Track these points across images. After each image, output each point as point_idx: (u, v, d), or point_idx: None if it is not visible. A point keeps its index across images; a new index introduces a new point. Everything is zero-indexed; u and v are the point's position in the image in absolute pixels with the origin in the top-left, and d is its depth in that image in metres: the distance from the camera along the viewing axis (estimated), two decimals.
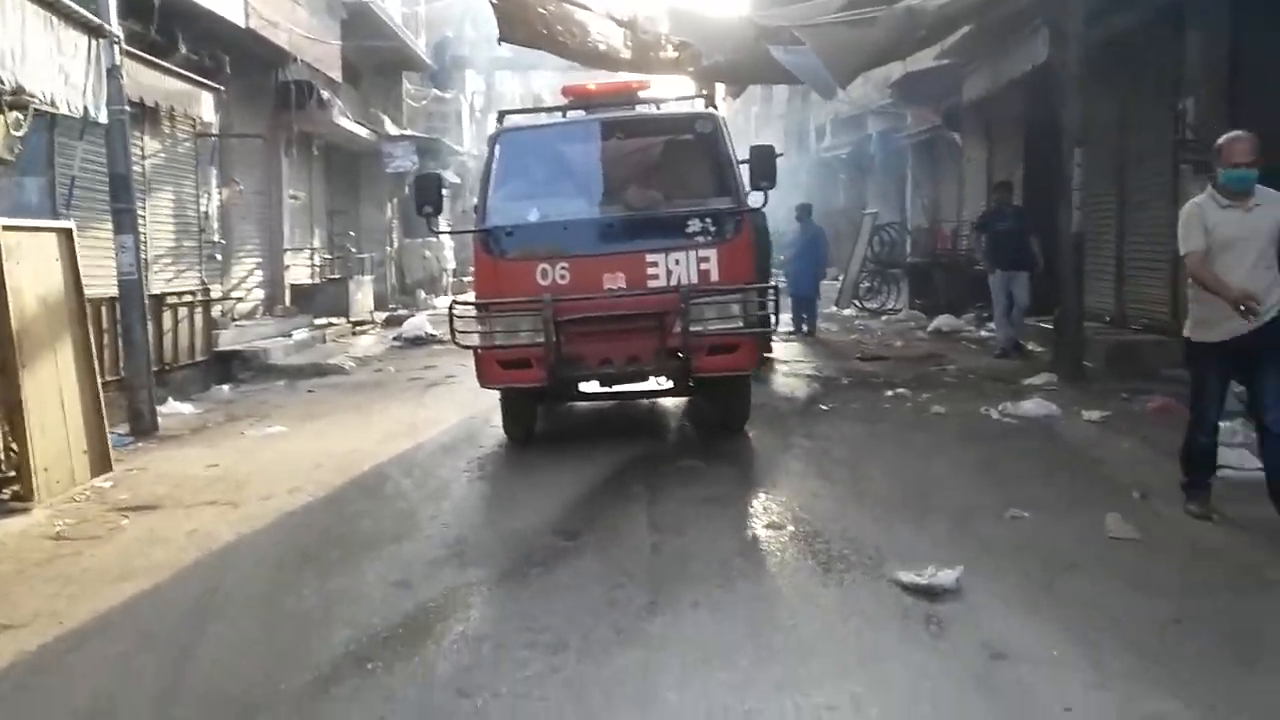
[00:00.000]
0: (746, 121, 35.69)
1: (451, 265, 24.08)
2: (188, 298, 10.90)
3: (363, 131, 18.46)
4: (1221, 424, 5.31)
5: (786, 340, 12.99)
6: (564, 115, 8.15)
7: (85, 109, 7.55)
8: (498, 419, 7.56)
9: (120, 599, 4.54)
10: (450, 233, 19.21)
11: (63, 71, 7.09)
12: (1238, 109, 8.49)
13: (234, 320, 13.21)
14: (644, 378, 7.31)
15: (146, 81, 9.66)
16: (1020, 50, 11.83)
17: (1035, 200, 11.78)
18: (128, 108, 8.41)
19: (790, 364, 11.17)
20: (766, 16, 10.79)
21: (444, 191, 8.81)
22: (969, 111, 15.73)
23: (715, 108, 8.19)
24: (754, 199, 7.07)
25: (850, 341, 13.27)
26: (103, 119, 7.87)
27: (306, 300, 15.76)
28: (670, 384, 7.57)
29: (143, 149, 10.45)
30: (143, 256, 8.98)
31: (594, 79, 10.09)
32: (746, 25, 10.95)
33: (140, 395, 8.28)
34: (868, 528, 5.16)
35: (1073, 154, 9.26)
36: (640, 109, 8.12)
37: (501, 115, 8.04)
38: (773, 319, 7.06)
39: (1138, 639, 3.74)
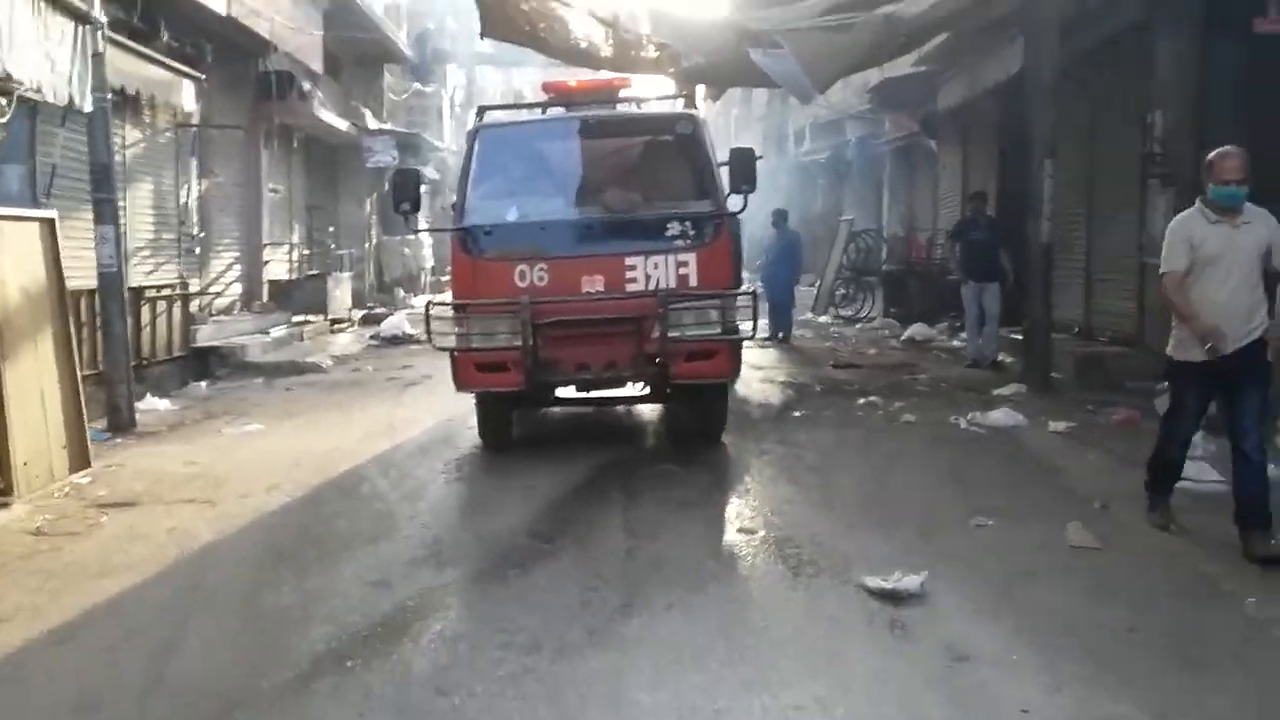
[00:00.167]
0: (726, 123, 35.80)
1: (430, 263, 24.07)
2: (166, 291, 10.90)
3: (343, 124, 18.36)
4: None
5: (763, 346, 13.11)
6: (544, 112, 8.13)
7: (70, 97, 7.49)
8: (475, 421, 7.56)
9: (102, 595, 4.59)
10: (429, 231, 19.16)
11: (49, 58, 7.03)
12: (1205, 123, 8.66)
13: (211, 316, 13.17)
14: (621, 383, 7.26)
15: (128, 69, 9.54)
16: (996, 59, 12.01)
17: (1009, 210, 11.91)
18: (110, 95, 8.35)
19: (765, 370, 11.29)
20: (747, 19, 10.89)
21: (423, 188, 8.80)
22: (945, 119, 15.91)
23: (696, 108, 8.19)
24: (733, 203, 7.01)
25: (825, 349, 13.40)
26: (88, 107, 7.80)
27: (284, 296, 15.71)
28: (647, 390, 7.52)
29: (123, 138, 10.40)
30: (122, 248, 8.97)
31: (576, 76, 10.08)
32: (727, 28, 11.06)
33: (119, 390, 8.28)
34: (837, 533, 5.29)
35: (1043, 165, 9.40)
36: (621, 107, 8.12)
37: (481, 111, 8.02)
38: (752, 326, 6.99)
39: (1094, 645, 3.87)
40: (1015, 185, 11.40)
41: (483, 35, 10.84)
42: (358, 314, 17.92)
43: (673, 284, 6.69)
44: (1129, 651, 3.85)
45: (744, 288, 7.31)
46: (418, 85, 26.17)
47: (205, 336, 11.94)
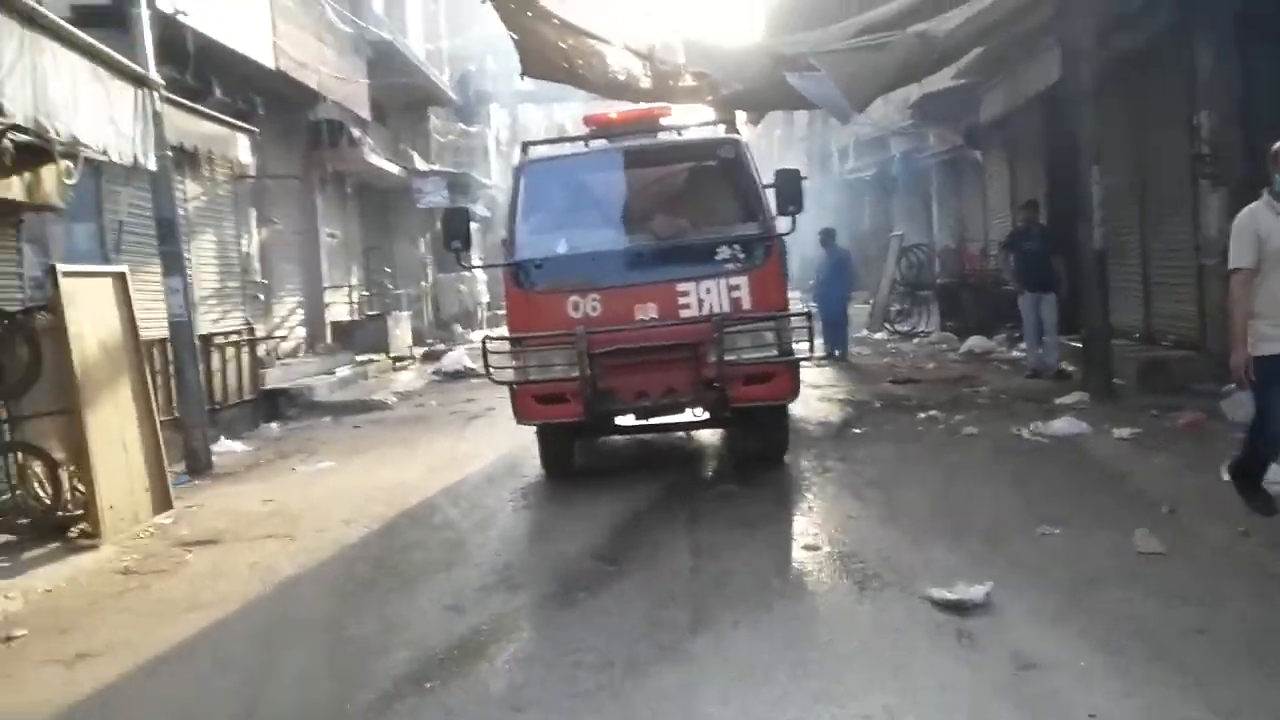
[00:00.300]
0: (769, 146, 35.87)
1: (485, 299, 24.43)
2: (234, 337, 11.26)
3: (393, 168, 18.81)
4: None
5: (820, 365, 13.09)
6: (587, 145, 8.16)
7: (135, 157, 7.83)
8: (538, 450, 7.62)
9: (192, 628, 4.81)
10: (481, 267, 19.47)
11: (112, 121, 7.36)
12: (1252, 120, 8.56)
13: (278, 359, 13.58)
14: (680, 409, 7.21)
15: (185, 126, 9.83)
16: (1035, 68, 11.95)
17: (1060, 218, 11.82)
18: (169, 153, 8.69)
19: (823, 388, 11.30)
20: (781, 44, 10.97)
21: (473, 225, 8.94)
22: (989, 130, 15.82)
23: (738, 132, 8.20)
24: (781, 224, 7.01)
25: (882, 365, 13.35)
26: (152, 165, 8.13)
27: (347, 337, 16.12)
28: (707, 415, 7.44)
29: (184, 192, 10.76)
30: (190, 298, 9.30)
31: (617, 108, 10.05)
32: (761, 54, 11.10)
33: (195, 434, 8.61)
34: (902, 547, 5.31)
35: (1090, 171, 9.35)
36: (662, 136, 8.15)
37: (525, 146, 8.07)
38: (809, 346, 6.92)
39: (1163, 648, 3.86)
40: (1065, 192, 11.30)
41: (523, 75, 11.07)
42: (419, 351, 18.25)
43: (726, 308, 6.69)
44: (1199, 653, 3.83)
45: (795, 308, 7.28)
46: (463, 126, 26.71)
47: (274, 379, 12.30)
